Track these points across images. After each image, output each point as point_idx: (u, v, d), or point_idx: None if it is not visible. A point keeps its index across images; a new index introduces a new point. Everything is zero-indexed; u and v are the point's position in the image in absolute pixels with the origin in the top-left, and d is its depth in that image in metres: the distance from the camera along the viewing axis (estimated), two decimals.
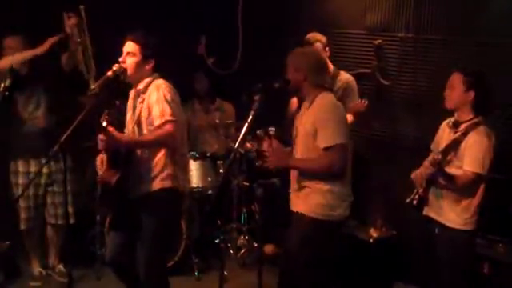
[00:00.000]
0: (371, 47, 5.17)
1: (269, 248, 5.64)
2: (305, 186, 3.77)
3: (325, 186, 3.72)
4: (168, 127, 3.72)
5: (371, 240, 4.84)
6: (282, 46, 5.81)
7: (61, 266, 5.09)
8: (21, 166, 4.81)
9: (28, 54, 4.61)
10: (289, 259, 3.86)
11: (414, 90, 5.08)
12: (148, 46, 3.78)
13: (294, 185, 3.87)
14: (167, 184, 3.85)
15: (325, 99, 3.77)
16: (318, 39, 5.03)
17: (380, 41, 5.14)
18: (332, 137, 3.64)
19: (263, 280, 3.61)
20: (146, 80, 3.85)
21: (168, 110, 3.72)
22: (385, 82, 5.15)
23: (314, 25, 5.36)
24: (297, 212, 3.82)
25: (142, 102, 3.80)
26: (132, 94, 3.97)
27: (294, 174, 3.89)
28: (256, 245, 5.55)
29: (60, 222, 4.91)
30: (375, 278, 4.76)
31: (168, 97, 3.76)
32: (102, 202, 3.89)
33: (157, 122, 3.73)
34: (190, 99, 6.03)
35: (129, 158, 3.77)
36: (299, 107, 5.17)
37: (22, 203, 4.81)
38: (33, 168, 4.79)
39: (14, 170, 4.84)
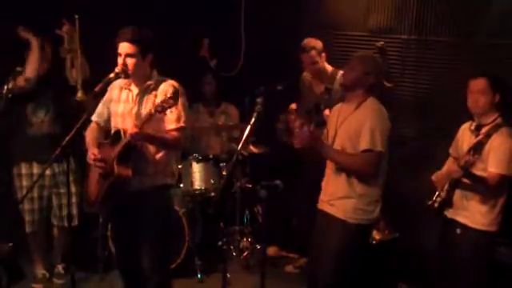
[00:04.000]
0: (374, 49, 5.16)
1: (272, 250, 5.65)
2: (341, 189, 3.85)
3: (361, 191, 3.81)
4: (181, 133, 3.84)
5: (374, 242, 4.83)
6: (284, 49, 5.84)
7: (60, 267, 5.07)
8: (23, 169, 4.81)
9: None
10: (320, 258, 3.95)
11: (417, 92, 5.08)
12: (143, 42, 3.80)
13: (331, 189, 3.95)
14: (169, 181, 3.99)
15: (376, 104, 3.85)
16: (312, 46, 5.05)
17: (382, 43, 5.14)
18: (375, 141, 3.71)
19: (266, 282, 3.60)
20: (154, 79, 3.88)
21: (183, 117, 3.85)
22: (387, 84, 5.14)
23: (316, 27, 5.37)
24: (335, 217, 3.88)
25: (155, 97, 3.83)
26: (120, 84, 3.95)
27: (329, 176, 3.96)
28: (259, 247, 5.55)
29: (65, 224, 4.89)
30: (378, 280, 4.75)
31: (183, 101, 3.86)
32: (107, 200, 3.90)
33: (171, 126, 3.82)
34: (195, 102, 6.02)
35: (139, 153, 3.83)
36: (301, 112, 5.22)
37: (26, 205, 4.81)
38: (35, 170, 4.78)
39: (17, 173, 4.84)
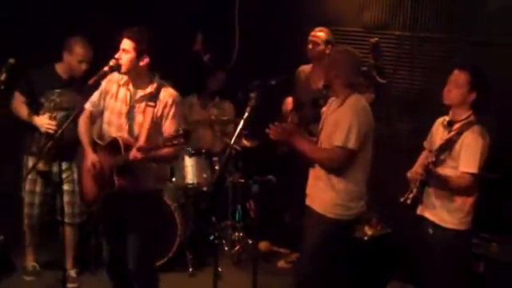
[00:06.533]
0: (368, 45, 5.17)
1: (263, 245, 5.65)
2: (321, 184, 3.88)
3: (340, 186, 3.83)
4: (181, 146, 3.75)
5: (366, 238, 4.84)
6: (278, 44, 5.84)
7: (73, 272, 4.93)
8: (30, 161, 4.72)
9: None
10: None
11: (411, 88, 5.10)
12: (141, 42, 3.75)
13: (312, 182, 3.99)
14: (160, 186, 3.98)
15: (356, 101, 3.85)
16: (322, 30, 5.09)
17: (377, 39, 5.14)
18: (348, 138, 3.72)
19: (257, 277, 3.61)
20: (154, 84, 3.82)
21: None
22: (381, 80, 5.14)
23: (311, 22, 5.36)
24: (315, 211, 3.92)
25: (154, 106, 3.77)
26: (115, 79, 3.90)
27: (312, 172, 3.99)
28: (250, 242, 5.55)
29: (76, 221, 4.86)
30: (370, 276, 4.76)
31: (181, 112, 3.94)
32: (107, 206, 3.92)
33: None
34: (189, 93, 6.00)
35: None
36: (297, 106, 5.22)
37: (26, 198, 4.79)
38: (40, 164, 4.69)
39: (25, 165, 4.78)
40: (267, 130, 3.87)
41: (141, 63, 3.79)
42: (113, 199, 3.86)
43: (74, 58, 4.61)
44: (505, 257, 4.22)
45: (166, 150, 3.71)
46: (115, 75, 3.84)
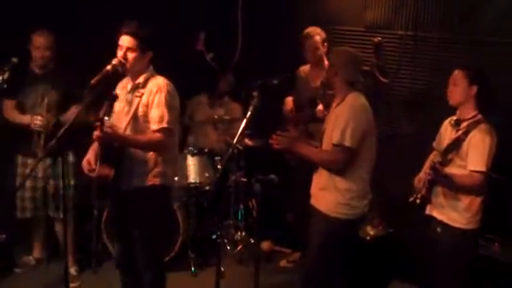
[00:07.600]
0: (370, 45, 5.16)
1: (265, 245, 5.64)
2: (325, 184, 3.88)
3: (343, 185, 3.81)
4: (162, 135, 3.73)
5: (368, 238, 4.84)
6: (281, 43, 5.84)
7: (73, 270, 4.94)
8: (20, 158, 4.82)
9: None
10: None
11: (413, 88, 5.10)
12: (145, 38, 3.74)
13: (315, 182, 3.99)
14: (157, 181, 3.85)
15: (355, 99, 3.84)
16: (317, 33, 5.07)
17: (379, 38, 5.14)
18: (344, 136, 3.71)
19: (260, 276, 3.61)
20: (145, 74, 3.81)
21: (166, 117, 3.72)
22: (384, 80, 5.14)
23: (313, 21, 5.36)
24: (319, 210, 3.91)
25: (141, 96, 3.75)
26: (124, 84, 3.93)
27: (316, 172, 3.99)
28: (253, 241, 5.55)
29: (62, 216, 4.83)
30: (372, 276, 4.75)
31: (169, 101, 3.75)
32: (100, 197, 3.89)
33: (153, 127, 3.73)
34: (201, 92, 6.02)
35: (122, 152, 3.76)
36: (297, 107, 5.22)
37: (18, 192, 4.83)
38: (30, 160, 4.77)
39: (15, 162, 4.85)
40: (270, 141, 3.85)
41: (145, 59, 3.80)
42: (116, 196, 3.85)
43: (34, 48, 4.70)
44: (507, 257, 4.21)
45: (138, 137, 3.74)
46: (124, 81, 3.86)
